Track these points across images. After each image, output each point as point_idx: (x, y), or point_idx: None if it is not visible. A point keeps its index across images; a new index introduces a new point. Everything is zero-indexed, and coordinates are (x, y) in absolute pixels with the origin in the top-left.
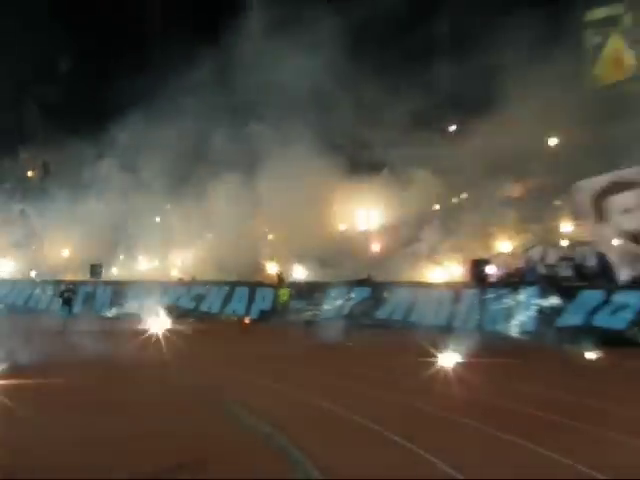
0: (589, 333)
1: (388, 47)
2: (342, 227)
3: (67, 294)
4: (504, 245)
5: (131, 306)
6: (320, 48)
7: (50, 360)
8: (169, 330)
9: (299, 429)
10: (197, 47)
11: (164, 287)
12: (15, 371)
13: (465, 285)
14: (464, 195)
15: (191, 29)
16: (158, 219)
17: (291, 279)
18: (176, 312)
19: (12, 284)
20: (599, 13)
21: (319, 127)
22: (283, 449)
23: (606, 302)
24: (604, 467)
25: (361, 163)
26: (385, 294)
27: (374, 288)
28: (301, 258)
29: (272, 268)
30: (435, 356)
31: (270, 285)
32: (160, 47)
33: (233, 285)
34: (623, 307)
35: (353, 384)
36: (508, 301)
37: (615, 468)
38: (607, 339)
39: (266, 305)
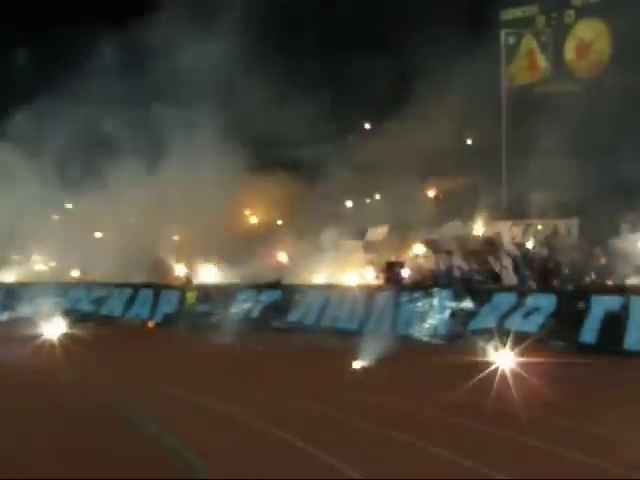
0: (501, 336)
1: (303, 39)
2: (254, 224)
3: None
4: (418, 247)
5: (25, 309)
6: (230, 36)
7: None
8: (65, 335)
9: (204, 438)
10: (100, 29)
11: (62, 289)
12: None
13: (378, 288)
14: (377, 196)
15: (94, 11)
16: (57, 217)
17: (199, 281)
18: (74, 316)
19: None
20: (514, 13)
21: (229, 119)
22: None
23: (519, 305)
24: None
25: (272, 158)
26: (296, 297)
27: (285, 291)
28: (209, 259)
29: (180, 270)
30: (346, 360)
31: (176, 288)
32: (60, 29)
33: (136, 287)
34: (535, 310)
35: (260, 389)
36: (422, 304)
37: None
38: (519, 342)
39: (171, 308)
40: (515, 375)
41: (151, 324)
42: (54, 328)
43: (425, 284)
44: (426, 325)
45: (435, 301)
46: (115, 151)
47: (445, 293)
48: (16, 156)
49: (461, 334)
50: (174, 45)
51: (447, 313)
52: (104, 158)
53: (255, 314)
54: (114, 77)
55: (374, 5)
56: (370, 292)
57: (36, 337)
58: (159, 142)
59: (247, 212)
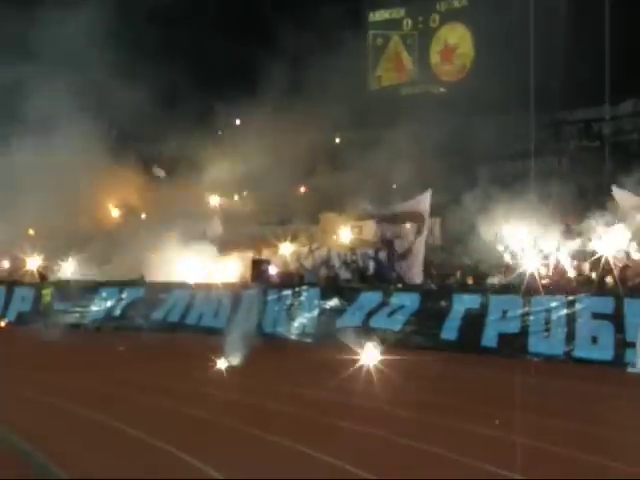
0: (367, 334)
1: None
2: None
3: None
4: (286, 246)
5: None
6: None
7: None
8: None
9: (60, 442)
10: None
11: None
12: None
13: (245, 286)
14: (245, 192)
15: None
16: None
17: (56, 277)
18: None
19: None
20: (382, 15)
21: (92, 100)
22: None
23: (383, 304)
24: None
25: (137, 150)
26: (161, 295)
27: (148, 288)
28: (68, 253)
29: (33, 263)
30: (209, 359)
31: (31, 284)
32: None
33: None
34: (399, 309)
35: (119, 390)
36: (289, 303)
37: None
38: (384, 340)
39: (26, 307)
40: (378, 372)
41: (2, 323)
42: None
43: (292, 282)
44: (294, 324)
45: (303, 299)
46: None
47: (313, 292)
48: None
49: (329, 332)
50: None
51: (315, 312)
52: None
53: (117, 312)
54: None
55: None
56: (236, 290)
57: None
58: (11, 116)
59: (111, 205)
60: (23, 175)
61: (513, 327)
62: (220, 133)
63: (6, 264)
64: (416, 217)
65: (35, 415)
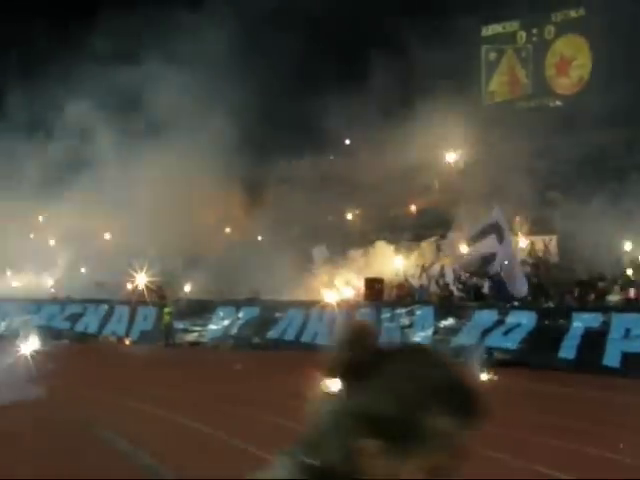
0: (482, 353)
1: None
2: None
3: None
4: (399, 262)
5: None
6: None
7: None
8: (39, 352)
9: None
10: None
11: (36, 305)
12: None
13: (359, 304)
14: (357, 211)
15: None
16: (32, 235)
17: (175, 296)
18: (49, 333)
19: None
20: (495, 29)
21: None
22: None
23: (499, 322)
24: None
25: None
26: (276, 314)
27: (263, 307)
28: (186, 273)
29: (151, 284)
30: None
31: (152, 304)
32: None
33: (112, 304)
34: (515, 327)
35: (231, 406)
36: (404, 320)
37: None
38: (499, 359)
39: (148, 325)
40: (492, 391)
41: (127, 341)
42: (29, 345)
43: (405, 300)
44: (409, 342)
45: (417, 317)
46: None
47: (427, 309)
48: None
49: (444, 351)
50: None
51: (429, 329)
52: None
53: (234, 331)
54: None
55: (358, 27)
56: (350, 308)
57: (10, 353)
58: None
59: (228, 229)
60: (143, 197)
61: (637, 346)
62: (332, 158)
63: (129, 285)
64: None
65: (148, 427)
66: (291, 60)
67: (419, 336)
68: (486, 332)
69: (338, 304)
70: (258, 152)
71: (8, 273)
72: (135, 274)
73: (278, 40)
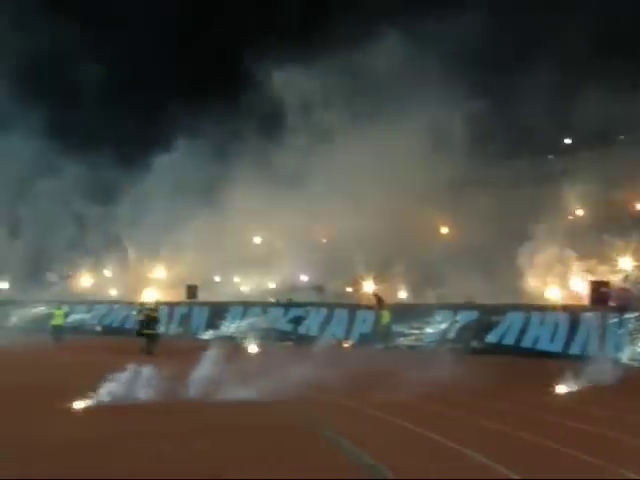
0: None
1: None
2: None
3: (145, 315)
4: (626, 263)
5: (227, 328)
6: None
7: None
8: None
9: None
10: None
11: (261, 309)
12: None
13: (584, 308)
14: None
15: None
16: (258, 240)
17: (390, 300)
18: (273, 335)
19: (109, 305)
20: None
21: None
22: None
23: None
24: None
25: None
26: (494, 317)
27: (481, 311)
28: (402, 276)
29: (368, 287)
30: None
31: (370, 307)
32: None
33: (332, 307)
34: None
35: (443, 409)
36: (632, 327)
37: None
38: None
39: (366, 328)
40: None
41: (347, 344)
42: (254, 346)
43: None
44: (638, 349)
45: None
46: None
47: None
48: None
49: None
50: None
51: None
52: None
53: (452, 335)
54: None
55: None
56: (575, 312)
57: (242, 355)
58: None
59: (444, 229)
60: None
61: None
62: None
63: (349, 289)
64: None
65: (369, 428)
66: None
67: None
68: None
69: (563, 307)
70: (482, 152)
71: (235, 279)
72: (360, 280)
73: None
